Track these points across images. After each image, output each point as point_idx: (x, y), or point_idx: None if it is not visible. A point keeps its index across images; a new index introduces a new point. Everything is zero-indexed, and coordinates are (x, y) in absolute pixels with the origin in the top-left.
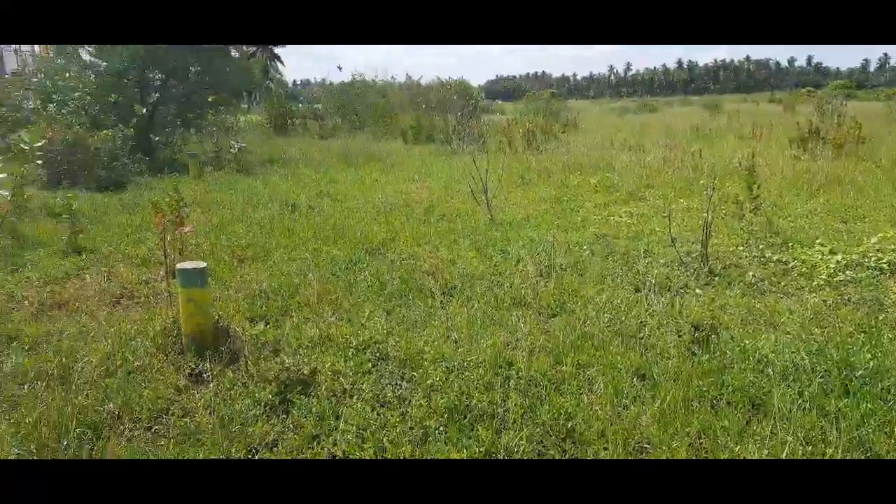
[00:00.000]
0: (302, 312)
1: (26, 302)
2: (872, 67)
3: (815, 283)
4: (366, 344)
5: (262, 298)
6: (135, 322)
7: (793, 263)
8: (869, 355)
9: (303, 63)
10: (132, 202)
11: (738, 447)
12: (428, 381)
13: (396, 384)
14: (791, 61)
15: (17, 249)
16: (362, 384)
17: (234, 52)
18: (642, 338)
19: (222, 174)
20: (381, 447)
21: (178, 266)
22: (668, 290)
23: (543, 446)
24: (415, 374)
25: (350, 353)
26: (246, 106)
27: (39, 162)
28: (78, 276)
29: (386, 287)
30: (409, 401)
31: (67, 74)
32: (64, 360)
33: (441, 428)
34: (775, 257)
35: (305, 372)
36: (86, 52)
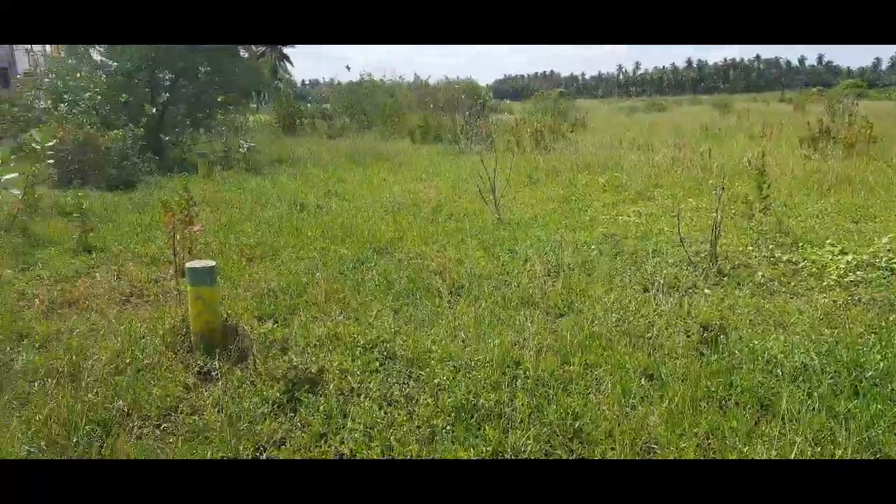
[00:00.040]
0: (310, 311)
1: (37, 300)
2: (884, 66)
3: (825, 283)
4: (373, 343)
5: (270, 297)
6: (144, 320)
7: (803, 264)
8: (879, 356)
9: (312, 63)
10: (142, 201)
11: (747, 448)
12: (435, 380)
13: (404, 383)
14: (801, 60)
15: (28, 248)
16: (370, 383)
17: (243, 53)
18: (650, 338)
19: (231, 173)
20: (388, 446)
21: (188, 265)
22: (677, 289)
23: (551, 446)
24: (422, 373)
25: (358, 352)
26: (255, 106)
27: (50, 161)
28: (88, 274)
29: (393, 286)
30: (417, 400)
31: (78, 74)
32: (74, 357)
33: (448, 427)
34: (785, 257)
35: (313, 370)
36: (97, 53)
